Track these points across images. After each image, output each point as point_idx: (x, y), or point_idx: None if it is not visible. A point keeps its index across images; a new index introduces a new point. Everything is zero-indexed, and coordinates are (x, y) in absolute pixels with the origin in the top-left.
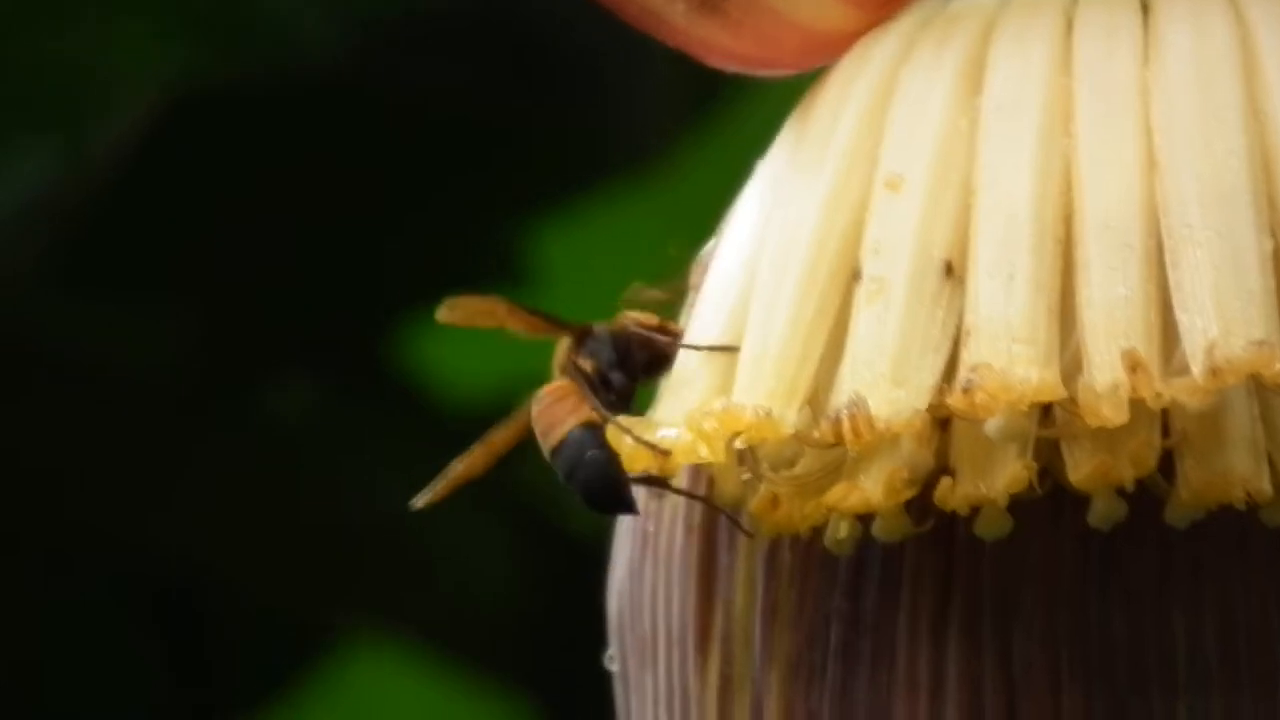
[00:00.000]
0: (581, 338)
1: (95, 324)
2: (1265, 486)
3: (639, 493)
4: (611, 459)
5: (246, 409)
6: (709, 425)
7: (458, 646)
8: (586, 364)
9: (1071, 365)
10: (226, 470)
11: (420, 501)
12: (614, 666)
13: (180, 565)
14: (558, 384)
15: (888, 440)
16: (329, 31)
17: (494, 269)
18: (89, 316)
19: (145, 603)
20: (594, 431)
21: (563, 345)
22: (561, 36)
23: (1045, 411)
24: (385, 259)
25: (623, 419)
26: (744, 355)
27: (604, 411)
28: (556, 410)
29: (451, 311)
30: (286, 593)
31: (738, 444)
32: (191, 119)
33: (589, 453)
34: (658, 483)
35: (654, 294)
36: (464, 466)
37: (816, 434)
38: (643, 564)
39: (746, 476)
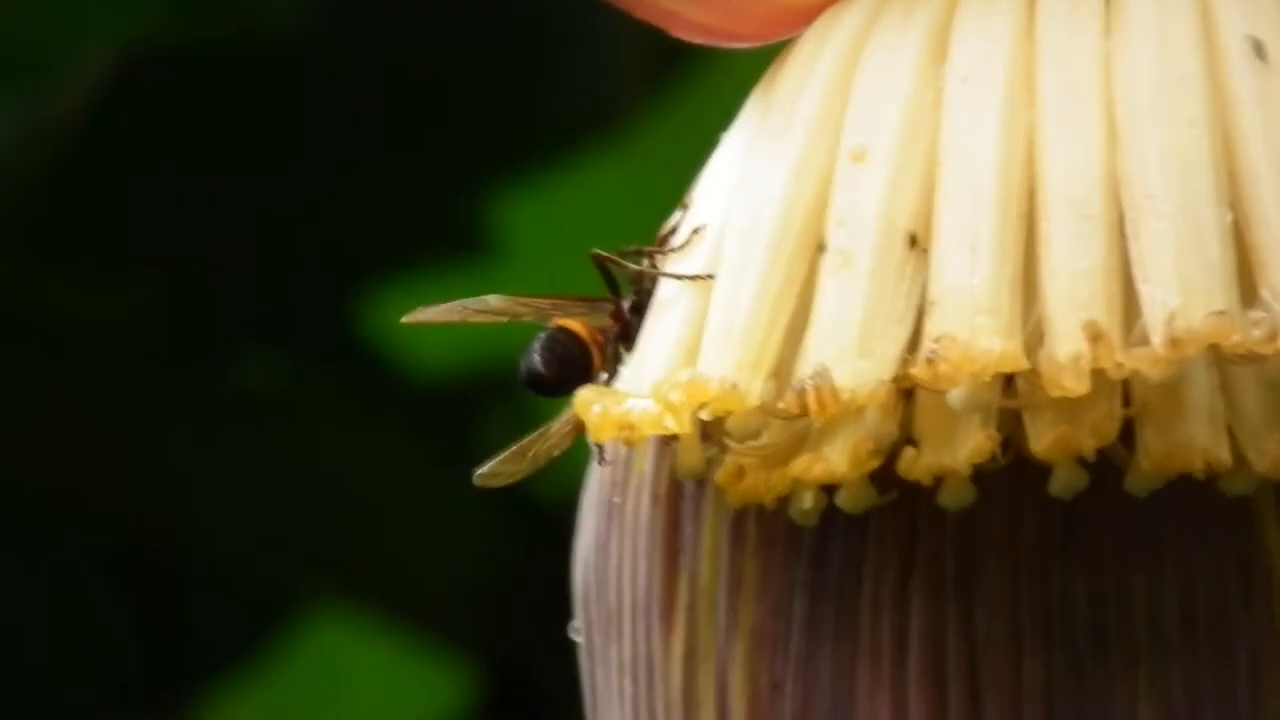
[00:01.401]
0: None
1: (59, 290)
2: (1224, 456)
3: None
4: (541, 352)
5: (212, 377)
6: (675, 396)
7: (424, 616)
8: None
9: (1034, 336)
10: (192, 438)
11: (414, 316)
12: (579, 637)
13: (146, 532)
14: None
15: (852, 411)
16: None
17: (458, 238)
18: (51, 283)
19: (111, 568)
20: (558, 341)
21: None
22: (527, 5)
23: (1008, 382)
24: (350, 228)
25: (590, 389)
26: (710, 327)
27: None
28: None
29: (414, 316)
30: (252, 560)
31: (704, 415)
32: (151, 81)
33: (534, 355)
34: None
35: (620, 262)
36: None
37: (782, 405)
38: (609, 535)
39: (711, 449)
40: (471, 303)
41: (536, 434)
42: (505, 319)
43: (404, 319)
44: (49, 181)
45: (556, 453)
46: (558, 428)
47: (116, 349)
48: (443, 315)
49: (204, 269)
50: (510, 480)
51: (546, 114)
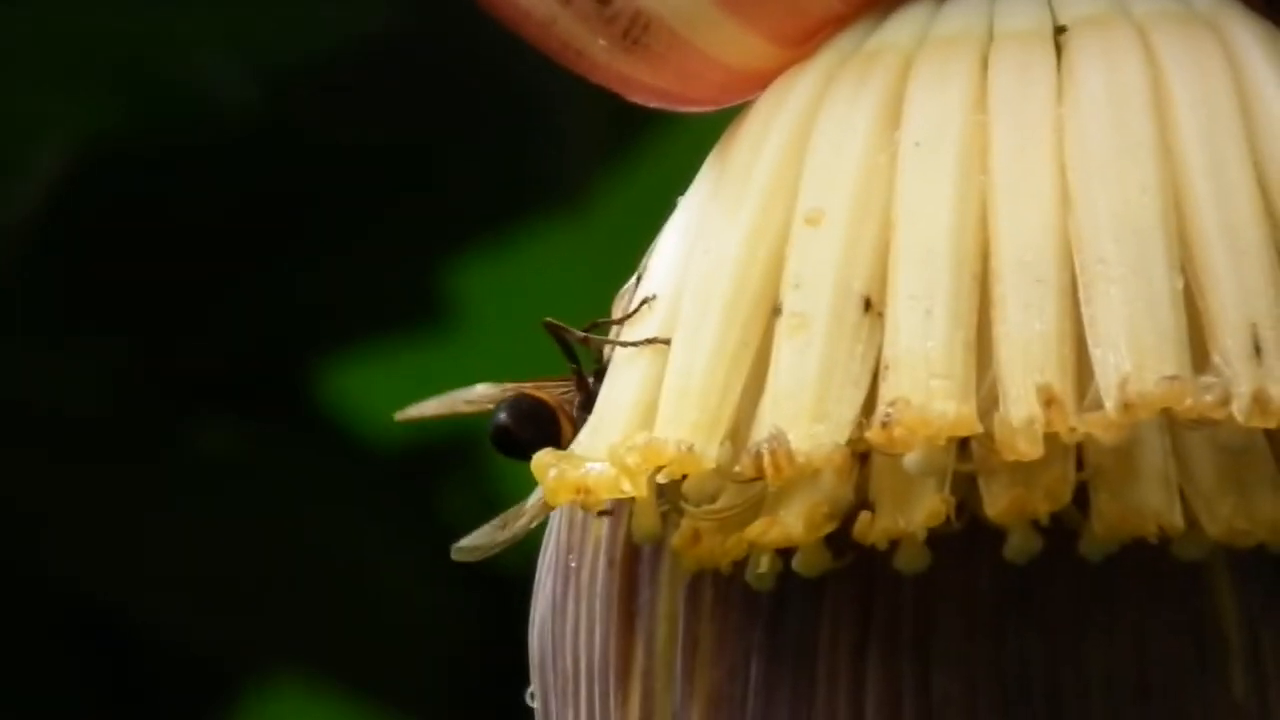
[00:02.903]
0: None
1: (15, 366)
2: (1177, 520)
3: (561, 519)
4: (508, 409)
5: (168, 447)
6: (632, 459)
7: (380, 685)
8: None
9: (988, 400)
10: (147, 508)
11: (407, 413)
12: (535, 703)
13: (101, 603)
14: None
15: (808, 475)
16: (243, 77)
17: (416, 306)
18: (8, 360)
19: (65, 638)
20: (524, 401)
21: (546, 387)
22: (482, 73)
23: (963, 446)
24: (307, 298)
25: (546, 452)
26: (666, 389)
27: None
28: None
29: (408, 413)
30: (208, 630)
31: (660, 478)
32: (109, 168)
33: (500, 412)
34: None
35: (573, 331)
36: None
37: (738, 468)
38: (564, 598)
39: (667, 509)
40: (460, 393)
41: (513, 509)
42: (492, 405)
43: (398, 416)
44: (11, 265)
45: (533, 525)
46: (533, 500)
47: (76, 424)
48: (435, 409)
49: (164, 345)
50: (487, 554)
51: (503, 181)
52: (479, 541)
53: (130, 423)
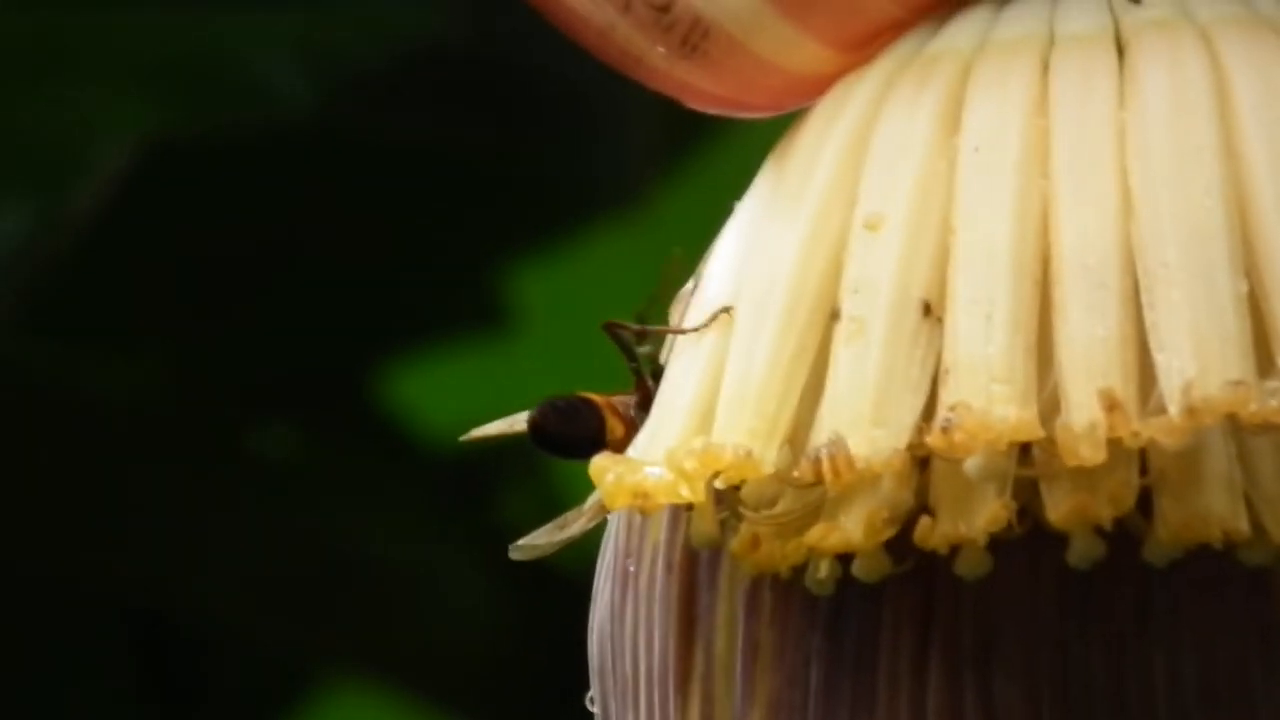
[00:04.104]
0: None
1: (79, 370)
2: (1243, 526)
3: (619, 524)
4: (543, 406)
5: (228, 450)
6: (690, 464)
7: (438, 688)
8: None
9: (1049, 405)
10: (207, 511)
11: (472, 435)
12: (595, 708)
13: (161, 605)
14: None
15: (868, 480)
16: (302, 81)
17: (474, 310)
18: (71, 362)
19: (125, 642)
20: (560, 399)
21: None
22: (540, 79)
23: (1024, 451)
24: (370, 302)
25: (605, 456)
26: (724, 394)
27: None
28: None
29: (473, 435)
30: (266, 633)
31: (718, 483)
32: (167, 170)
33: (534, 410)
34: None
35: (630, 326)
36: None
37: (796, 473)
38: (623, 603)
39: (726, 515)
40: (523, 414)
41: (572, 511)
42: None
43: (463, 439)
44: (71, 268)
45: (590, 526)
46: (591, 502)
47: (137, 426)
48: (499, 429)
49: (224, 347)
50: (545, 553)
51: (562, 186)
52: (537, 541)
53: (193, 424)
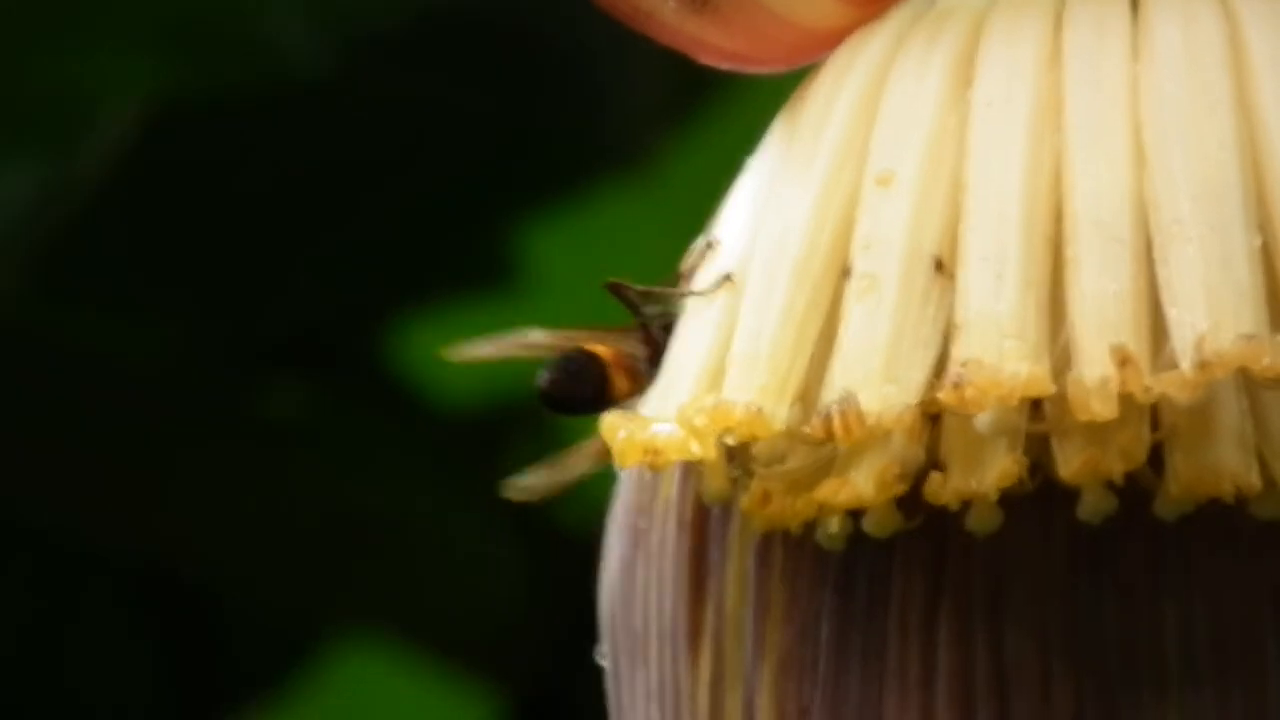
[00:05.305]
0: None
1: (87, 332)
2: (1254, 480)
3: (629, 481)
4: (550, 367)
5: (238, 410)
6: (700, 421)
7: (450, 644)
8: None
9: (1061, 360)
10: (218, 471)
11: (461, 352)
12: (605, 663)
13: (172, 564)
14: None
15: (878, 436)
16: (313, 40)
17: (485, 269)
18: (80, 318)
19: (139, 599)
20: (570, 360)
21: (612, 338)
22: (551, 34)
23: (1035, 406)
24: (380, 260)
25: (616, 413)
26: (735, 352)
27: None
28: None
29: (458, 351)
30: (278, 592)
31: (729, 440)
32: (180, 129)
33: (543, 371)
34: None
35: (634, 288)
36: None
37: (807, 430)
38: (634, 560)
39: (737, 473)
40: (515, 337)
41: (569, 451)
42: (545, 352)
43: (451, 354)
44: (80, 227)
45: (585, 470)
46: (587, 448)
47: (147, 386)
48: (490, 351)
49: (234, 305)
50: (539, 495)
51: (573, 143)
52: (534, 481)
53: (203, 384)
